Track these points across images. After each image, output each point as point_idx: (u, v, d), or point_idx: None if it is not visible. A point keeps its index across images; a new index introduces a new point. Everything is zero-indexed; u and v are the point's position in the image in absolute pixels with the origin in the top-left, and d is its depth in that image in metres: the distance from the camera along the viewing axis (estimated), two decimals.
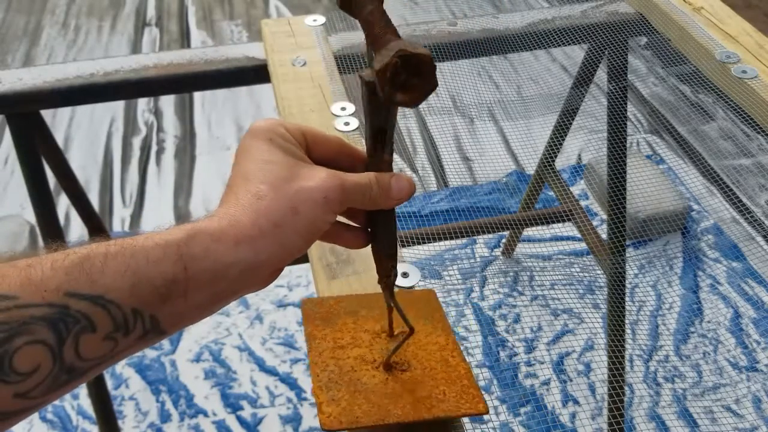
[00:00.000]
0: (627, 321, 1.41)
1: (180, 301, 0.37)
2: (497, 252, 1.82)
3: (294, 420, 1.48)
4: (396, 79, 0.37)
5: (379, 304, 0.55)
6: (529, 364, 1.56)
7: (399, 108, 0.43)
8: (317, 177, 0.42)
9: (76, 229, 1.90)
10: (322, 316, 0.54)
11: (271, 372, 1.57)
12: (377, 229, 0.48)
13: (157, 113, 2.35)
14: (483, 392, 0.54)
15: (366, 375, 0.50)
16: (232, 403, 1.51)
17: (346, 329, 0.54)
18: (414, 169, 2.06)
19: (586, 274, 1.74)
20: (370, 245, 0.49)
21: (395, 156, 2.08)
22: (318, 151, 0.46)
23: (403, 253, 0.68)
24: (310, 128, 0.46)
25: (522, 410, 1.47)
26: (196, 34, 2.74)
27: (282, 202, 0.40)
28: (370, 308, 0.56)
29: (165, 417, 1.49)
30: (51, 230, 1.18)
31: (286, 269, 0.45)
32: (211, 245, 0.38)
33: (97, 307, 0.34)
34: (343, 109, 0.83)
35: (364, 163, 0.47)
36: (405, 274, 0.64)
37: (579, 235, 1.61)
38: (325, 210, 0.41)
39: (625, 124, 1.18)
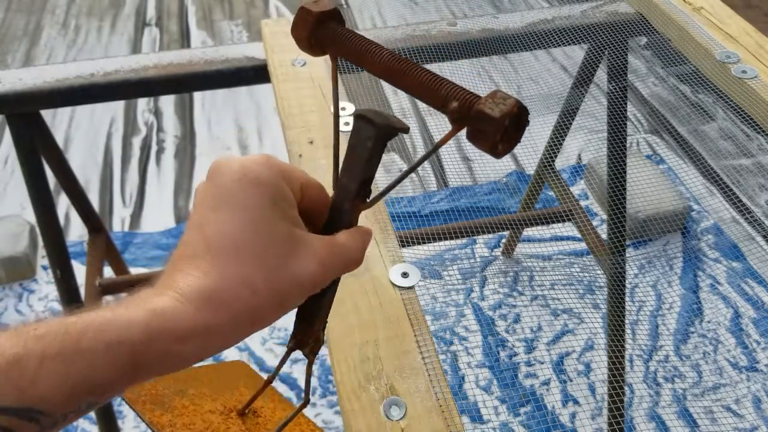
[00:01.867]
0: (627, 321, 1.41)
1: (123, 389, 0.33)
2: (497, 252, 1.82)
3: None
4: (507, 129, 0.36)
5: (203, 380, 0.50)
6: (529, 364, 1.56)
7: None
8: (312, 265, 0.37)
9: (76, 229, 1.90)
10: (150, 399, 0.47)
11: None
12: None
13: (157, 113, 2.35)
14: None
15: None
16: None
17: (187, 413, 0.46)
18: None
19: (586, 274, 1.74)
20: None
21: (395, 155, 2.07)
22: (305, 200, 0.40)
23: (403, 253, 0.68)
24: (305, 177, 0.40)
25: (522, 410, 1.47)
26: (196, 34, 2.74)
27: (272, 300, 0.36)
28: (195, 386, 0.49)
29: None
30: (51, 230, 1.18)
31: None
32: (174, 347, 0.33)
33: (23, 420, 0.30)
34: (343, 109, 0.83)
35: (328, 208, 0.42)
36: (405, 275, 0.64)
37: (579, 235, 1.61)
38: (307, 295, 0.38)
39: (625, 124, 1.18)
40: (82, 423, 1.48)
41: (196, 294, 0.34)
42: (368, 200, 0.42)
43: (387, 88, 2.37)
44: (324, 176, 0.74)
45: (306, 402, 0.45)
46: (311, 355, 0.44)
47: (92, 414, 1.40)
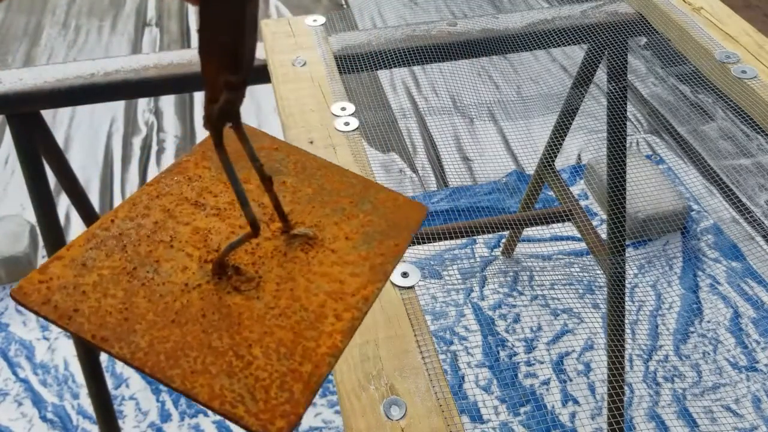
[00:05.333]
0: (627, 321, 1.41)
1: None
2: (497, 252, 1.82)
3: None
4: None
5: (331, 177, 0.37)
6: (528, 363, 1.56)
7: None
8: None
9: (77, 228, 1.90)
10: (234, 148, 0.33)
11: None
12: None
13: (158, 113, 2.35)
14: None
15: (179, 260, 0.32)
16: None
17: (230, 192, 0.35)
18: (414, 169, 2.06)
19: (586, 274, 1.74)
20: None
21: (395, 155, 2.06)
22: None
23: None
24: None
25: (522, 410, 1.47)
26: (196, 34, 2.73)
27: None
28: (307, 176, 0.36)
29: (165, 417, 1.49)
30: (51, 230, 1.18)
31: None
32: None
33: None
34: (343, 109, 0.83)
35: None
36: (405, 274, 0.64)
37: (579, 235, 1.61)
38: None
39: (625, 124, 1.18)
40: (82, 422, 1.48)
41: None
42: None
43: (387, 87, 2.37)
44: None
45: (254, 229, 0.32)
46: (229, 118, 0.30)
47: (92, 413, 1.40)
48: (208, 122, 0.31)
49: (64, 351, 1.60)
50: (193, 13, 2.86)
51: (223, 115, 0.30)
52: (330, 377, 1.56)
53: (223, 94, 0.30)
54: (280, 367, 0.31)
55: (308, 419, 1.48)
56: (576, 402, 1.49)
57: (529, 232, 1.84)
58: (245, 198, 0.32)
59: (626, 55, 1.10)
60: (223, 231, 0.34)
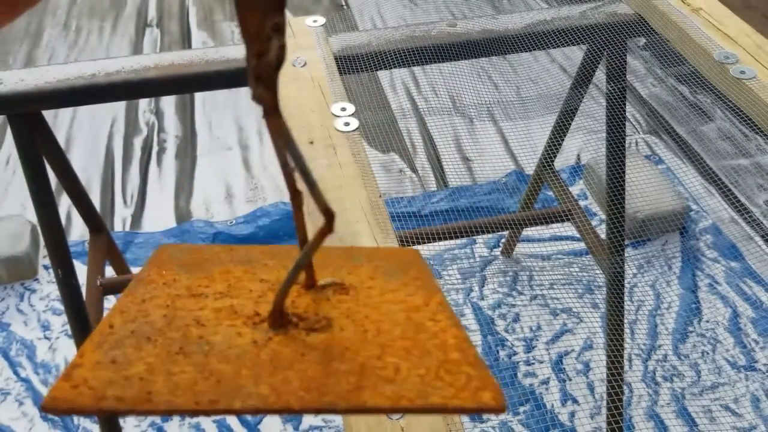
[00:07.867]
0: (626, 320, 1.42)
1: None
2: (497, 252, 1.83)
3: (294, 419, 1.48)
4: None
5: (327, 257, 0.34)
6: (528, 363, 1.56)
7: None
8: None
9: (78, 228, 1.90)
10: (186, 262, 0.33)
11: None
12: None
13: (158, 114, 2.35)
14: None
15: (225, 331, 0.28)
16: None
17: (223, 278, 0.32)
18: (414, 169, 2.07)
19: (585, 274, 1.74)
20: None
21: (395, 155, 2.06)
22: None
23: None
24: None
25: (521, 409, 1.48)
26: (197, 35, 2.74)
27: None
28: (281, 258, 0.34)
29: (166, 416, 1.49)
30: (52, 230, 1.18)
31: None
32: None
33: None
34: (343, 109, 0.84)
35: None
36: None
37: (578, 235, 1.62)
38: None
39: (624, 124, 1.18)
40: (83, 422, 1.48)
41: None
42: None
43: (386, 87, 2.38)
44: (323, 175, 0.75)
45: (328, 217, 0.27)
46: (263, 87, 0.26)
47: None
48: (262, 80, 0.26)
49: (65, 351, 1.61)
50: (194, 15, 2.86)
51: (280, 63, 0.27)
52: None
53: (273, 41, 0.26)
54: (430, 363, 0.27)
55: (308, 418, 1.48)
56: (575, 401, 1.49)
57: (528, 232, 1.84)
58: (312, 177, 0.26)
59: (625, 55, 1.10)
60: (247, 303, 0.30)
